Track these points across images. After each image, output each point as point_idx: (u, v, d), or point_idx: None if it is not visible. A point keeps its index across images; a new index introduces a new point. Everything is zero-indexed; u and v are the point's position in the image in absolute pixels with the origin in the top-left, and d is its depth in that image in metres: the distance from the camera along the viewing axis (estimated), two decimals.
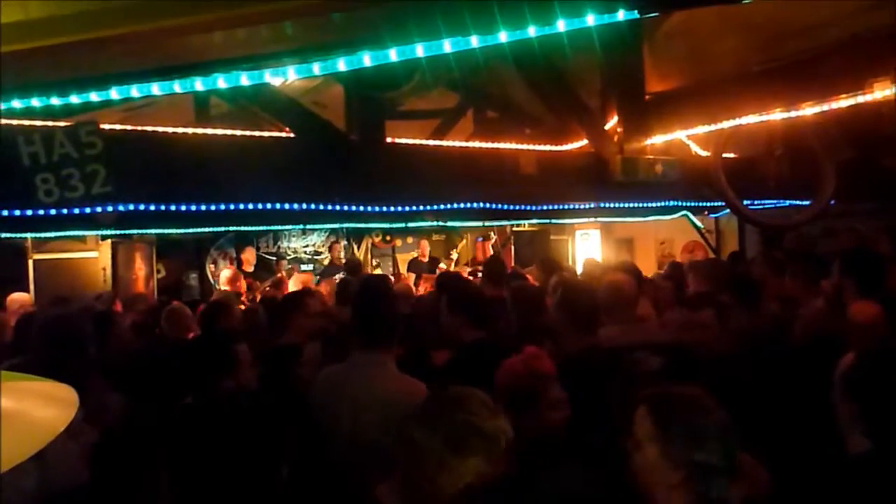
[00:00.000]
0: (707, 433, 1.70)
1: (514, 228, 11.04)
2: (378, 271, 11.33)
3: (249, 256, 9.10)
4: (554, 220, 9.67)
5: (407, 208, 6.26)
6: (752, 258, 6.81)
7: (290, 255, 11.32)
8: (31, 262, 7.93)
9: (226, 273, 7.42)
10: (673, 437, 1.72)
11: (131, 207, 4.97)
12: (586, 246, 11.29)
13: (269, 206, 5.56)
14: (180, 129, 5.49)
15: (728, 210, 8.29)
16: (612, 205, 7.32)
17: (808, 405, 2.88)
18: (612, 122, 6.69)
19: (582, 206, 7.25)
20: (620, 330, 3.30)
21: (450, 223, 9.26)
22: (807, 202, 8.03)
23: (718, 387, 1.93)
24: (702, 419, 1.72)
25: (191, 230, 8.48)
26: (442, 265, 10.12)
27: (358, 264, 9.14)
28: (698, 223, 9.76)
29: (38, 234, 7.42)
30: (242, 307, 5.77)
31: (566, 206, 7.25)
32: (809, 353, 3.35)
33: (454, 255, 11.03)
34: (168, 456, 1.88)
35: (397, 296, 3.15)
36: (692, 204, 8.24)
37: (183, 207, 5.28)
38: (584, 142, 6.92)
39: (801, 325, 3.89)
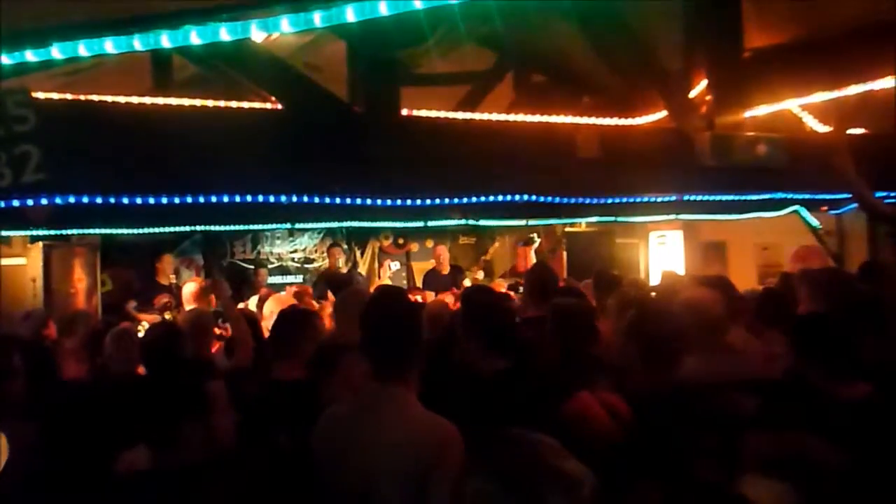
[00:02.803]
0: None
1: (568, 229, 11.02)
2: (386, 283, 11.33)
3: (165, 266, 9.18)
4: (621, 219, 9.61)
5: (426, 202, 6.33)
6: (887, 269, 6.72)
7: (273, 263, 11.39)
8: None
9: (190, 287, 7.45)
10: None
11: (71, 200, 5.08)
12: (664, 252, 11.20)
13: (247, 198, 5.66)
14: (135, 99, 5.61)
15: (855, 205, 8.22)
16: (698, 197, 7.31)
17: None
18: (698, 89, 6.69)
19: (658, 200, 7.25)
20: (705, 362, 3.30)
21: (482, 222, 9.25)
22: None
23: (838, 436, 1.93)
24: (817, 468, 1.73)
25: (146, 230, 8.59)
26: (468, 281, 9.95)
27: (342, 277, 9.03)
28: (814, 222, 9.64)
29: None
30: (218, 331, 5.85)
31: (637, 200, 7.26)
32: None
33: (480, 273, 10.98)
34: None
35: (421, 313, 3.17)
36: (806, 196, 8.20)
37: (137, 201, 5.38)
38: (662, 114, 6.91)
39: None
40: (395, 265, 11.85)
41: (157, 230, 8.71)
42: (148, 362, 4.41)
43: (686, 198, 7.20)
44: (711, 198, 7.36)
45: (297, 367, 3.74)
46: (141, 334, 5.37)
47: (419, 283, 10.79)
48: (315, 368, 3.55)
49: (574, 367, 3.40)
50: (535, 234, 10.40)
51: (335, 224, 10.39)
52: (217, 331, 5.97)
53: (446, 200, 6.39)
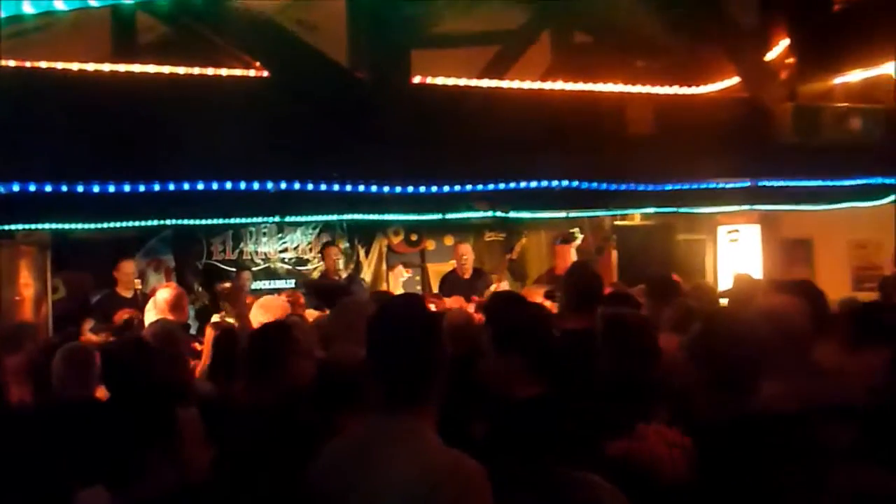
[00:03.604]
0: None
1: (618, 223, 10.98)
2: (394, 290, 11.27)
3: (124, 275, 9.12)
4: (683, 210, 9.58)
5: (445, 189, 6.34)
6: None
7: (258, 265, 11.41)
8: None
9: (164, 294, 7.43)
10: None
11: (15, 189, 5.13)
12: (736, 252, 11.14)
13: (227, 185, 5.69)
14: (91, 66, 5.64)
15: None
16: (777, 183, 7.27)
17: None
18: (777, 50, 6.65)
19: (729, 186, 7.22)
20: (788, 386, 3.28)
21: (513, 214, 9.23)
22: None
23: None
24: None
25: (106, 226, 8.63)
26: (494, 287, 9.86)
27: (332, 286, 9.00)
28: None
29: None
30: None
31: (702, 186, 7.25)
32: None
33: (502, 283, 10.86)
34: None
35: (441, 326, 3.15)
36: None
37: (95, 189, 5.41)
38: (734, 81, 6.87)
39: None
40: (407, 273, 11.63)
41: (119, 225, 8.76)
42: (110, 384, 4.42)
43: (763, 184, 7.15)
44: (794, 184, 7.30)
45: (271, 391, 3.77)
46: None
47: (435, 289, 10.74)
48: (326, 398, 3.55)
49: (629, 393, 3.37)
50: (577, 230, 10.34)
51: (334, 217, 10.34)
52: (198, 346, 5.98)
53: (469, 187, 6.39)
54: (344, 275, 10.24)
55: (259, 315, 6.30)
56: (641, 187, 7.09)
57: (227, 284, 8.64)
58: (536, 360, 3.48)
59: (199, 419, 2.97)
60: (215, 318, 7.54)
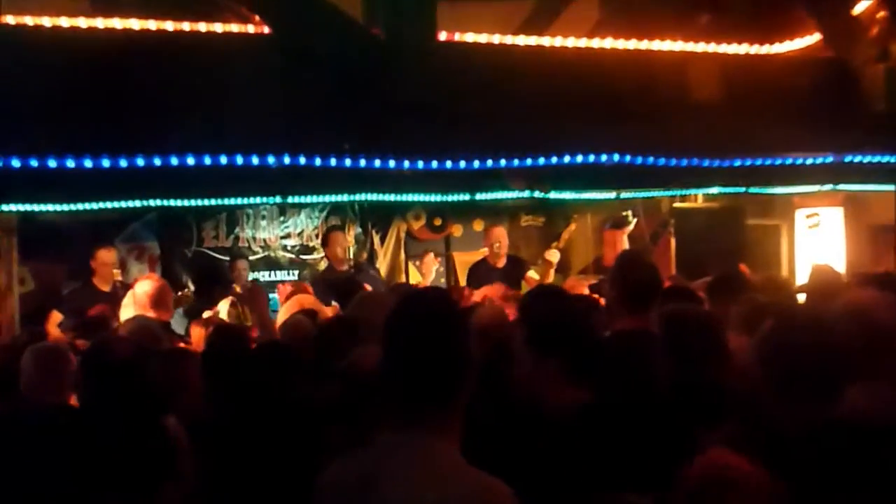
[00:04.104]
0: None
1: (677, 205, 10.96)
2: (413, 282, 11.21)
3: (102, 266, 9.08)
4: (754, 190, 9.54)
5: (475, 164, 6.33)
6: None
7: (256, 253, 11.41)
8: None
9: (144, 287, 7.46)
10: None
11: None
12: (816, 239, 11.09)
13: (221, 160, 5.71)
14: (66, 21, 5.67)
15: None
16: (865, 159, 7.25)
17: None
18: (866, 2, 6.62)
19: (808, 162, 7.21)
20: (875, 393, 3.27)
21: (553, 194, 9.22)
22: None
23: None
24: None
25: (82, 207, 8.66)
26: (533, 273, 9.80)
27: (343, 280, 8.91)
28: None
29: None
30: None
31: (777, 162, 7.23)
32: None
33: (553, 256, 10.76)
34: None
35: (469, 325, 3.15)
36: None
37: (69, 164, 5.44)
38: (815, 38, 6.83)
39: None
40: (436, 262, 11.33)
41: (96, 206, 8.79)
42: (91, 390, 4.47)
43: (848, 159, 7.11)
44: (885, 159, 7.26)
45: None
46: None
47: (463, 282, 10.68)
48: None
49: (692, 404, 3.38)
50: (629, 213, 10.32)
51: (344, 198, 10.36)
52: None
53: (502, 163, 6.38)
54: (352, 264, 10.19)
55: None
56: (705, 163, 7.06)
57: (248, 285, 8.69)
58: (580, 366, 3.48)
59: (182, 431, 3.01)
60: (207, 313, 7.60)
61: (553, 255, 9.36)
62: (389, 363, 2.79)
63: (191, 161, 5.64)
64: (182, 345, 6.10)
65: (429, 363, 2.70)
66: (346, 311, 5.43)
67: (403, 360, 2.75)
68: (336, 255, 9.52)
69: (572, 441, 3.15)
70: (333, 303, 7.53)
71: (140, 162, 5.55)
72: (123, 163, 5.54)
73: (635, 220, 10.02)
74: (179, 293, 8.69)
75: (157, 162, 5.57)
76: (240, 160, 5.71)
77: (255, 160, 5.75)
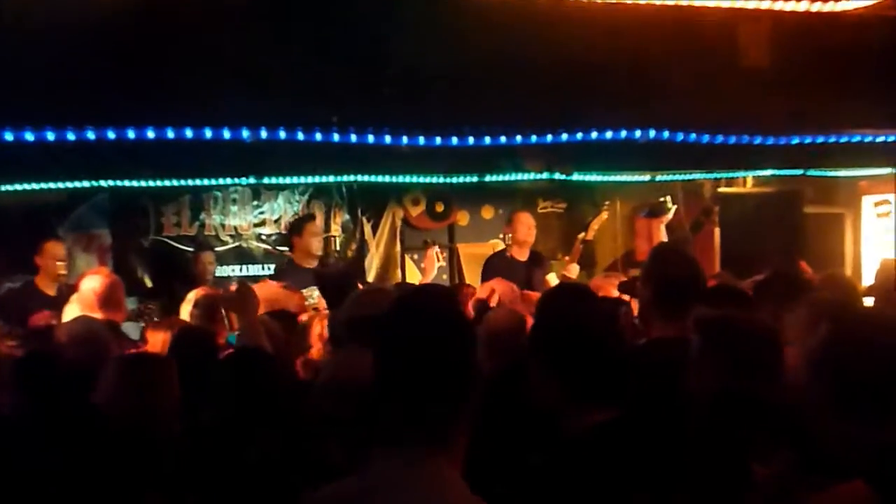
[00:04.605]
0: None
1: (723, 189, 11.04)
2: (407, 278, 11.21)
3: (50, 260, 9.02)
4: (814, 172, 9.55)
5: (484, 140, 6.33)
6: None
7: (225, 243, 11.51)
8: None
9: (91, 283, 7.46)
10: None
11: None
12: (885, 230, 11.11)
13: (187, 133, 5.72)
14: None
15: None
16: None
17: None
18: None
19: (877, 140, 7.22)
20: None
21: (577, 176, 9.21)
22: None
23: None
24: None
25: (20, 187, 8.68)
26: (552, 276, 9.76)
27: (335, 276, 8.83)
28: None
29: None
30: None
31: (840, 140, 7.22)
32: None
33: (573, 271, 10.70)
34: None
35: (475, 332, 3.15)
36: None
37: (7, 137, 5.44)
38: None
39: None
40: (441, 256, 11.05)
41: (37, 187, 8.80)
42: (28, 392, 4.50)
43: None
44: None
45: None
46: None
47: (469, 278, 10.68)
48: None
49: (739, 423, 3.36)
50: (666, 199, 10.32)
51: (330, 179, 10.38)
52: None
53: (518, 139, 6.36)
54: (332, 260, 10.14)
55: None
56: (757, 140, 7.03)
57: (233, 289, 8.63)
58: (606, 378, 3.47)
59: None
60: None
61: (573, 270, 9.38)
62: (383, 373, 2.79)
63: (151, 134, 5.64)
64: (132, 351, 6.09)
65: (427, 374, 2.70)
66: (343, 310, 5.44)
67: (399, 371, 2.74)
68: (310, 248, 9.30)
69: (593, 468, 3.14)
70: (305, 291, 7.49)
71: (90, 135, 5.53)
72: (70, 135, 5.52)
73: (674, 207, 10.02)
74: (142, 306, 8.69)
75: (111, 135, 5.55)
76: (208, 133, 5.69)
77: (226, 134, 5.72)
